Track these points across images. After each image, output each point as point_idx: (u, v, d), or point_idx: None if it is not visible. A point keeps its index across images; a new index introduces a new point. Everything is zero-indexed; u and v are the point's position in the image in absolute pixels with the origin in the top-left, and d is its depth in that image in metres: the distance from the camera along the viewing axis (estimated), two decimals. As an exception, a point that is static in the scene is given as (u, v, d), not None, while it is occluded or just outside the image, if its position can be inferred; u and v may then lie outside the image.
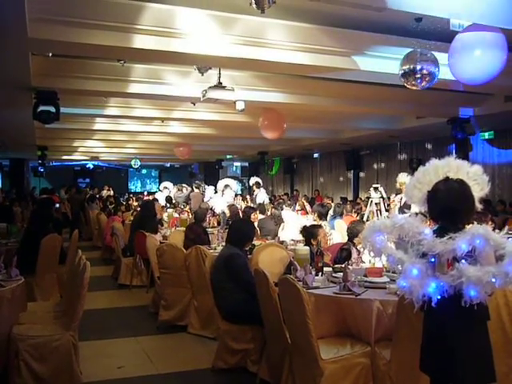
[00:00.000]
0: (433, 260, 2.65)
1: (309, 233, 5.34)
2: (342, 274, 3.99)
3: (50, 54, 6.73)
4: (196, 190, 13.88)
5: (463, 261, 2.57)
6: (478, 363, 2.68)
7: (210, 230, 8.66)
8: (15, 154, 21.04)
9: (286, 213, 9.00)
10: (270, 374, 4.18)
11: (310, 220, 7.36)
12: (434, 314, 2.70)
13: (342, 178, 19.47)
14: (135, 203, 14.67)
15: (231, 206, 8.52)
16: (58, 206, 10.86)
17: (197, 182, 14.87)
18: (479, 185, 2.86)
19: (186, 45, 5.76)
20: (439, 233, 2.69)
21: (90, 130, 13.49)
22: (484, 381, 2.75)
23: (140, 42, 5.61)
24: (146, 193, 23.17)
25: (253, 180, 13.14)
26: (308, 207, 11.70)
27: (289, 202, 10.87)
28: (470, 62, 5.29)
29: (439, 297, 2.61)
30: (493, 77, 5.30)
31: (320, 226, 5.44)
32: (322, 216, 7.32)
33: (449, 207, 2.77)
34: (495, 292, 3.00)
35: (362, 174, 18.41)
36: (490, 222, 6.15)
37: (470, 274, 2.50)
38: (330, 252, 5.37)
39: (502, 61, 5.20)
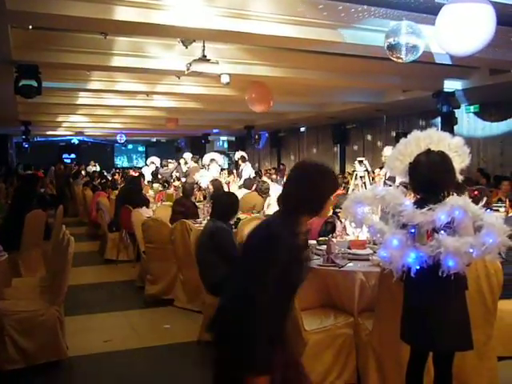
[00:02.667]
0: (413, 231, 2.68)
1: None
2: (325, 246, 4.02)
3: (30, 27, 6.59)
4: (194, 164, 13.71)
5: (442, 232, 2.60)
6: (455, 332, 2.74)
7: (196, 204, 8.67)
8: (-2, 129, 20.78)
9: (272, 187, 9.00)
10: (254, 346, 4.23)
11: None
12: (414, 284, 2.74)
13: (328, 152, 19.48)
14: (119, 178, 14.60)
15: (214, 181, 8.50)
16: (42, 190, 10.84)
17: (195, 156, 14.65)
18: (460, 156, 2.88)
19: (170, 17, 5.65)
20: (420, 204, 2.71)
21: (73, 104, 13.32)
22: (461, 348, 2.81)
23: (122, 13, 5.50)
24: (133, 169, 22.97)
25: (238, 154, 13.06)
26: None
27: (274, 177, 10.86)
28: (457, 33, 5.23)
29: (418, 267, 2.65)
30: (481, 48, 5.25)
31: None
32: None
33: (430, 179, 2.79)
34: (476, 263, 3.05)
35: (348, 148, 18.43)
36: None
37: (449, 244, 2.53)
38: (314, 225, 5.39)
39: (490, 32, 5.12)
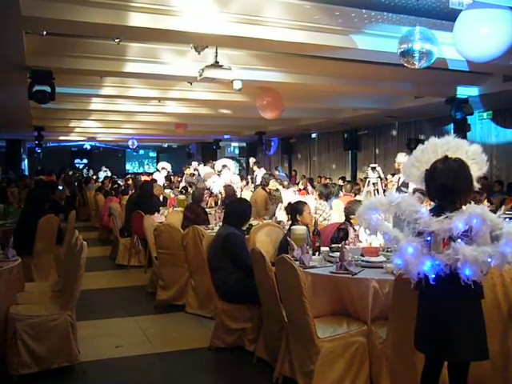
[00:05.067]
0: (428, 239, 2.65)
1: (294, 209, 5.25)
2: (338, 253, 3.99)
3: (45, 33, 6.63)
4: (210, 170, 13.67)
5: (459, 240, 2.57)
6: (471, 342, 2.70)
7: (207, 210, 8.66)
8: (11, 134, 20.93)
9: (285, 193, 9.00)
10: (266, 353, 4.21)
11: (310, 200, 7.34)
12: (429, 293, 2.71)
13: (339, 158, 19.42)
14: (130, 182, 14.63)
15: (227, 187, 8.51)
16: (61, 188, 10.75)
17: (211, 161, 14.64)
18: (477, 164, 2.85)
19: (183, 23, 5.68)
20: (436, 212, 2.68)
21: (86, 110, 13.41)
22: (477, 358, 2.77)
23: (136, 19, 5.54)
24: (145, 175, 22.94)
25: (252, 160, 13.06)
26: (310, 188, 11.67)
27: (285, 183, 10.84)
28: (477, 40, 5.16)
29: (434, 275, 2.62)
30: (501, 55, 5.19)
31: (305, 203, 5.38)
32: (323, 196, 7.29)
33: (446, 186, 2.76)
34: (492, 272, 3.01)
35: (359, 154, 18.36)
36: (485, 201, 6.15)
37: (467, 253, 2.50)
38: (327, 232, 5.37)
39: (510, 37, 5.07)
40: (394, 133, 16.35)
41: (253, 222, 6.18)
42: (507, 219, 2.60)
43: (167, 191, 11.56)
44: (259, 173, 12.28)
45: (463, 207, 2.70)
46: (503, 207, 2.74)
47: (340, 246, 4.23)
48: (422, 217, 2.65)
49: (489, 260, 2.51)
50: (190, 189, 11.55)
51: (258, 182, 11.25)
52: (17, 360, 3.91)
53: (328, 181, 14.91)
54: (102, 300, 6.47)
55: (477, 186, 2.84)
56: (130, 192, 11.40)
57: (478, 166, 2.85)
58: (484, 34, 5.07)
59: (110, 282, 7.51)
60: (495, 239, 2.54)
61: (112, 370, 4.34)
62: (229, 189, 8.31)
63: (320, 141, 20.76)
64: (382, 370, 3.45)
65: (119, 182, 16.39)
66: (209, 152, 24.34)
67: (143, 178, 15.79)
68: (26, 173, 23.16)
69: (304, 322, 3.49)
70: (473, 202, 2.72)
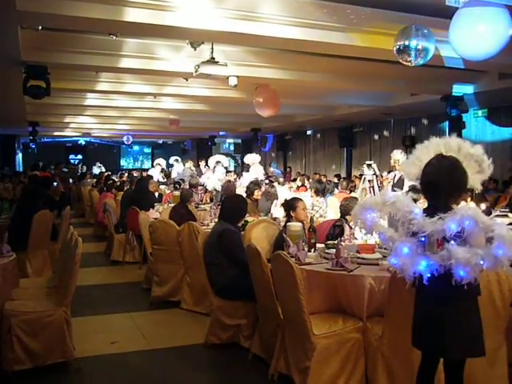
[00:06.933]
0: (423, 239, 2.65)
1: (288, 205, 5.22)
2: (334, 250, 3.99)
3: (40, 28, 6.60)
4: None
5: (452, 242, 2.57)
6: (468, 338, 2.70)
7: (202, 206, 8.66)
8: (5, 130, 20.84)
9: (280, 190, 9.00)
10: (262, 350, 4.21)
11: (307, 197, 7.34)
12: (425, 291, 2.71)
13: (334, 155, 19.45)
14: (125, 178, 14.60)
15: (227, 183, 8.48)
16: (55, 184, 10.71)
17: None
18: (480, 166, 2.83)
19: (179, 18, 5.67)
20: (429, 212, 2.68)
21: (81, 105, 13.38)
22: (474, 355, 2.78)
23: (132, 15, 5.53)
24: (136, 171, 22.81)
25: (250, 159, 12.99)
26: (308, 184, 11.67)
27: (281, 180, 10.84)
28: (474, 38, 5.15)
29: (429, 274, 2.62)
30: (497, 52, 5.18)
31: (300, 199, 5.37)
32: (319, 192, 7.29)
33: (434, 182, 2.77)
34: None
35: (354, 151, 18.38)
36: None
37: (459, 255, 2.50)
38: (322, 228, 5.37)
39: (506, 36, 5.06)
40: (386, 133, 16.39)
41: (248, 218, 6.17)
42: (499, 219, 2.60)
43: (162, 187, 11.54)
44: (253, 169, 12.13)
45: (455, 207, 2.69)
46: (500, 206, 2.74)
47: (336, 242, 4.24)
48: (415, 218, 2.64)
49: (481, 262, 2.51)
50: (183, 184, 11.53)
51: (251, 177, 11.13)
52: (11, 356, 3.90)
53: (323, 178, 14.93)
54: (97, 296, 6.45)
55: (479, 187, 2.82)
56: (125, 188, 11.36)
57: (480, 168, 2.83)
58: (480, 33, 5.06)
59: (104, 278, 7.50)
60: (488, 241, 2.54)
61: (107, 366, 4.34)
62: (228, 185, 8.27)
63: (315, 138, 20.79)
64: (378, 367, 3.46)
65: (114, 177, 16.31)
66: (204, 148, 24.32)
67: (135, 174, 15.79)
68: (21, 168, 23.07)
69: (300, 319, 3.49)
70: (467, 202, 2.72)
